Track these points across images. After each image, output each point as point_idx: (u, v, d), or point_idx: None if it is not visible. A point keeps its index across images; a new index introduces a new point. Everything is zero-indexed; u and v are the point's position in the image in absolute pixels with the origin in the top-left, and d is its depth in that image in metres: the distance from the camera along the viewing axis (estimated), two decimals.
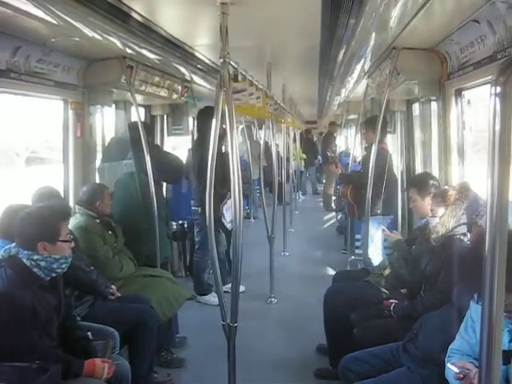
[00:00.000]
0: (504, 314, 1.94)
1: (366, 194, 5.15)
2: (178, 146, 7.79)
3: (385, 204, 4.92)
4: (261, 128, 7.98)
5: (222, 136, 3.71)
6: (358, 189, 5.48)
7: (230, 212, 4.58)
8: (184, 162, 5.53)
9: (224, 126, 3.37)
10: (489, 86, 1.05)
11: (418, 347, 2.58)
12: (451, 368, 2.12)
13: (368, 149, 5.71)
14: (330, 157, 6.37)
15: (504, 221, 1.03)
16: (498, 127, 1.00)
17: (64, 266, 2.64)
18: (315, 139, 16.68)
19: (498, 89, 1.00)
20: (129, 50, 3.84)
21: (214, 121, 2.80)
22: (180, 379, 3.83)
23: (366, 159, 5.65)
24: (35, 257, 2.53)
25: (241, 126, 10.28)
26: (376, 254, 4.96)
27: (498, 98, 1.01)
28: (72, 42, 3.45)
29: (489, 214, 1.05)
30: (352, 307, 3.53)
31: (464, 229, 3.03)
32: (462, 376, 2.09)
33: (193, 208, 5.40)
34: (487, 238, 1.12)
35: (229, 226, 5.02)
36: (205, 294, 5.38)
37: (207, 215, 2.87)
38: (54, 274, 2.62)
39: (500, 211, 1.03)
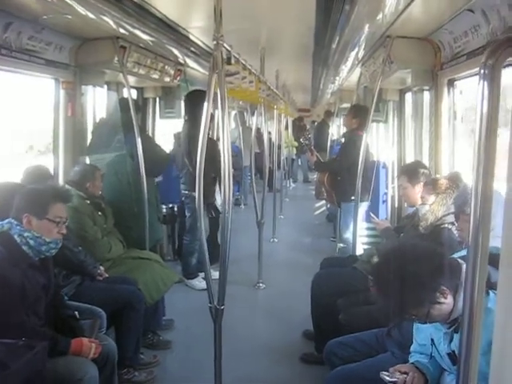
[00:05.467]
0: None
1: (342, 181, 5.19)
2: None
3: (362, 190, 4.90)
4: (253, 114, 7.98)
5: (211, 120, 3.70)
6: (334, 176, 5.50)
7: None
8: (171, 146, 5.52)
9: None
10: None
11: (402, 333, 2.60)
12: (383, 377, 2.16)
13: (346, 135, 5.74)
14: (305, 144, 6.31)
15: (488, 201, 1.04)
16: (485, 110, 1.01)
17: (53, 250, 2.65)
18: (308, 127, 16.65)
19: (487, 72, 1.01)
20: (122, 31, 3.80)
21: (205, 104, 2.78)
22: (166, 361, 3.85)
23: (343, 145, 5.68)
24: (25, 234, 2.53)
25: (233, 112, 10.26)
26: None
27: (486, 81, 1.01)
28: (64, 20, 3.41)
29: (473, 196, 1.06)
30: (339, 293, 3.55)
31: (453, 218, 3.05)
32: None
33: (183, 192, 5.39)
34: (471, 223, 1.13)
35: (221, 208, 5.02)
36: (191, 278, 5.39)
37: (197, 200, 2.87)
38: (42, 256, 2.62)
39: (485, 193, 1.04)
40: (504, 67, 1.04)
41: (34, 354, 2.22)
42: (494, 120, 1.01)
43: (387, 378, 2.14)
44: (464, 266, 1.98)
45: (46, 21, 3.42)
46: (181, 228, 6.08)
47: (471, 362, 1.14)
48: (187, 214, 5.44)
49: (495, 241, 1.31)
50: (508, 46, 1.01)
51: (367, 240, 5.47)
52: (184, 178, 5.31)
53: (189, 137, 4.98)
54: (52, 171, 4.04)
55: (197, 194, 2.85)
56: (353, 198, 4.77)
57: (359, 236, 5.24)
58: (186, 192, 5.29)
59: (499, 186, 1.30)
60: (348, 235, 5.27)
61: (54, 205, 2.61)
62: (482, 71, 1.01)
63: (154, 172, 5.15)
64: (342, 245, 6.46)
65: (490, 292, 1.72)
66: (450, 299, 1.96)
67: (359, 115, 5.26)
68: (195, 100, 4.97)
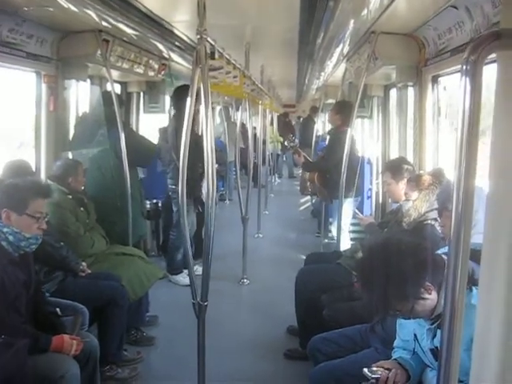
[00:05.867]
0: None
1: (331, 178, 5.21)
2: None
3: (348, 186, 4.91)
4: (238, 109, 7.98)
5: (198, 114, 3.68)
6: (323, 173, 5.51)
7: None
8: (156, 142, 5.48)
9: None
10: None
11: (385, 328, 2.61)
12: (365, 373, 2.17)
13: (331, 132, 5.75)
14: (290, 146, 6.29)
15: (470, 197, 1.04)
16: (467, 106, 1.00)
17: (33, 246, 2.62)
18: (293, 123, 16.67)
19: (469, 67, 1.00)
20: (105, 24, 3.77)
21: (188, 99, 2.76)
22: (149, 357, 3.83)
23: (328, 143, 5.70)
24: (4, 229, 2.50)
25: (218, 107, 10.23)
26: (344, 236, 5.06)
27: (468, 77, 1.01)
28: (46, 13, 3.36)
29: (455, 192, 1.06)
30: (323, 289, 3.56)
31: (436, 214, 3.06)
32: (374, 381, 2.15)
33: (170, 187, 5.34)
34: (453, 218, 1.13)
35: None
36: (176, 274, 5.35)
37: (180, 195, 2.86)
38: (21, 252, 2.59)
39: (467, 189, 1.04)
40: (486, 64, 1.04)
41: (14, 351, 2.20)
42: (475, 116, 1.00)
43: (370, 375, 2.15)
44: None
45: (26, 13, 3.36)
46: (165, 223, 6.04)
47: (452, 358, 1.14)
48: (174, 208, 5.39)
49: (479, 237, 1.31)
50: (490, 41, 1.01)
51: (353, 236, 5.49)
52: (171, 172, 5.25)
53: (176, 132, 4.93)
54: (34, 166, 4.00)
55: (180, 190, 2.83)
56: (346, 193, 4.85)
57: (348, 232, 5.27)
58: (173, 187, 5.23)
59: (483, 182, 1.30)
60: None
61: (33, 200, 2.58)
62: (464, 67, 1.01)
63: (141, 162, 5.13)
64: (326, 240, 6.49)
65: (474, 288, 1.72)
66: (434, 295, 1.96)
67: (343, 111, 5.27)
68: (182, 95, 4.90)
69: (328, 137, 6.16)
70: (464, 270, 1.12)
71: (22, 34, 3.56)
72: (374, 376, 2.14)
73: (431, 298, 1.96)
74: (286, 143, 6.58)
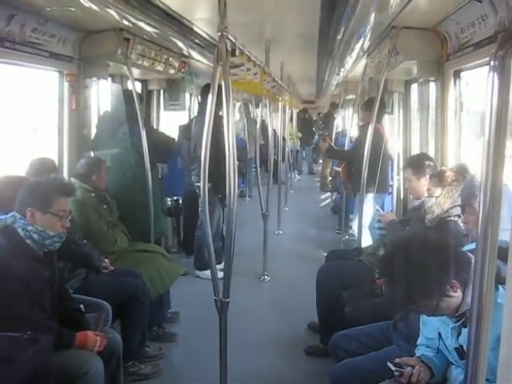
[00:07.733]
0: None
1: (356, 172, 5.18)
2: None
3: (379, 182, 4.90)
4: (258, 106, 7.97)
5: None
6: (349, 166, 5.49)
7: None
8: (176, 138, 5.50)
9: None
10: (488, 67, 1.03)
11: (408, 325, 2.59)
12: (389, 366, 2.16)
13: (362, 128, 5.71)
14: (318, 133, 6.33)
15: (498, 195, 1.03)
16: (495, 101, 0.99)
17: (57, 244, 2.63)
18: (314, 119, 16.59)
19: (497, 63, 0.99)
20: (126, 22, 3.79)
21: (209, 96, 2.77)
22: (171, 353, 3.86)
23: (358, 138, 5.67)
24: (29, 228, 2.52)
25: (238, 104, 10.23)
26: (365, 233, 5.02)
27: (496, 72, 0.99)
28: (68, 12, 3.40)
29: (482, 189, 1.04)
30: (344, 286, 3.54)
31: (459, 210, 3.03)
32: (398, 374, 2.13)
33: (196, 184, 5.28)
34: (480, 216, 1.11)
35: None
36: (205, 269, 5.33)
37: (202, 193, 2.87)
38: (45, 250, 2.61)
39: (494, 186, 1.02)
40: None
41: (39, 347, 2.21)
42: (504, 112, 0.99)
43: (394, 368, 2.13)
44: (473, 260, 1.96)
45: (49, 13, 3.40)
46: (186, 220, 6.06)
47: (480, 357, 1.13)
48: (201, 207, 5.38)
49: (503, 233, 1.29)
50: None
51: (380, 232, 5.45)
52: (197, 169, 5.23)
53: (202, 129, 4.94)
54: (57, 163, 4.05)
55: (202, 187, 2.85)
56: (370, 188, 4.85)
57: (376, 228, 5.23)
58: (199, 184, 5.22)
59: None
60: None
61: (57, 199, 2.60)
62: (492, 62, 0.99)
63: (161, 158, 5.14)
64: (347, 237, 6.46)
65: (500, 287, 1.70)
66: (459, 293, 1.95)
67: (372, 108, 5.23)
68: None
69: (359, 132, 6.15)
70: (492, 268, 1.11)
71: (44, 34, 3.60)
72: (398, 369, 2.13)
73: (456, 295, 1.94)
74: (314, 129, 6.65)
